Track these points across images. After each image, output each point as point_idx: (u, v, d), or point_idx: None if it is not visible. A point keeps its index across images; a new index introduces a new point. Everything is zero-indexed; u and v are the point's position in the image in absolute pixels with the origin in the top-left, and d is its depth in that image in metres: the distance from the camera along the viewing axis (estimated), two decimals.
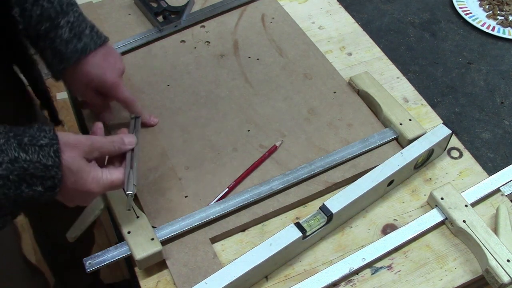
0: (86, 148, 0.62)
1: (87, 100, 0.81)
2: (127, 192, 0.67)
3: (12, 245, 0.87)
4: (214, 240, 0.76)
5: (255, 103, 0.92)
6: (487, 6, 1.63)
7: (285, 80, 0.96)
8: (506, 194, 0.81)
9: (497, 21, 1.58)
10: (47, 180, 0.56)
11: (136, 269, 0.73)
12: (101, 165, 0.66)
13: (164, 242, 0.73)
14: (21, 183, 0.55)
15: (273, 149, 0.85)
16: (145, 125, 0.87)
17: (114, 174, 0.65)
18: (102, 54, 0.77)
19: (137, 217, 0.74)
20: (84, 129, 0.91)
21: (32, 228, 0.83)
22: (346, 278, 0.72)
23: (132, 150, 0.70)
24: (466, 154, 0.87)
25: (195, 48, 1.02)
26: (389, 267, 0.74)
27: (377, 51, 1.04)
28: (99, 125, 0.69)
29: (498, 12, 1.60)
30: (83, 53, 0.75)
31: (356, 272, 0.73)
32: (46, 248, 1.13)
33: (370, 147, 0.85)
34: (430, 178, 0.84)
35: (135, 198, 0.78)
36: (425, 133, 0.84)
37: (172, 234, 0.74)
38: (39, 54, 0.77)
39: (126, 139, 0.68)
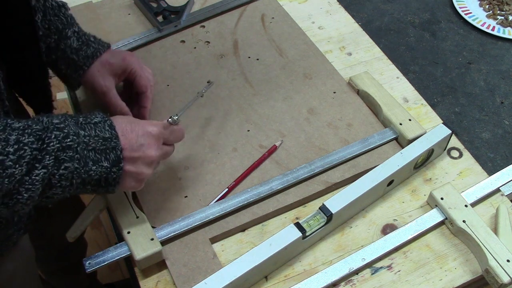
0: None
1: (108, 99, 0.83)
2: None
3: (31, 259, 0.89)
4: (214, 240, 0.76)
5: (255, 103, 0.92)
6: (487, 6, 1.63)
7: (285, 80, 0.96)
8: (506, 194, 0.81)
9: (497, 21, 1.58)
10: (110, 153, 0.60)
11: (136, 269, 0.73)
12: None
13: (164, 242, 0.73)
14: (87, 160, 0.58)
15: (273, 149, 0.85)
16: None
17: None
18: (111, 51, 0.82)
19: (137, 217, 0.74)
20: None
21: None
22: (346, 278, 0.72)
23: None
24: (466, 154, 0.87)
25: (195, 48, 1.02)
26: (389, 267, 0.74)
27: (377, 51, 1.04)
28: None
29: (498, 12, 1.60)
30: (94, 57, 0.79)
31: (356, 272, 0.73)
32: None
33: (370, 147, 0.85)
34: (430, 178, 0.84)
35: (135, 198, 0.78)
36: (425, 133, 0.84)
37: (172, 234, 0.74)
38: (52, 68, 0.81)
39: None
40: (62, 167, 0.55)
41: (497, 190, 0.81)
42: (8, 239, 0.74)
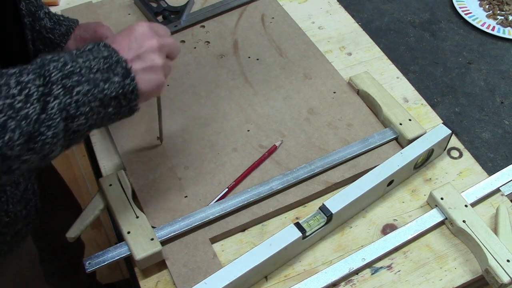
0: None
1: None
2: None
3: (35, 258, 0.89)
4: (214, 240, 0.76)
5: (255, 103, 0.92)
6: (487, 6, 1.63)
7: (285, 80, 0.96)
8: (506, 194, 0.81)
9: (497, 21, 1.58)
10: (116, 68, 0.58)
11: (136, 269, 0.73)
12: None
13: (164, 242, 0.73)
14: (97, 82, 0.56)
15: (273, 149, 0.85)
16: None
17: None
18: (82, 26, 0.85)
19: (137, 217, 0.74)
20: None
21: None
22: (346, 278, 0.72)
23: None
24: (466, 154, 0.87)
25: (195, 48, 1.02)
26: (389, 267, 0.74)
27: (377, 51, 1.04)
28: None
29: (498, 12, 1.60)
30: (69, 33, 0.83)
31: (356, 272, 0.73)
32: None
33: (370, 147, 0.85)
34: (430, 178, 0.84)
35: (135, 198, 0.78)
36: (425, 133, 0.84)
37: (172, 234, 0.74)
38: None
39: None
40: (74, 92, 0.54)
41: (497, 190, 0.81)
42: (17, 234, 0.75)
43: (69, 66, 0.55)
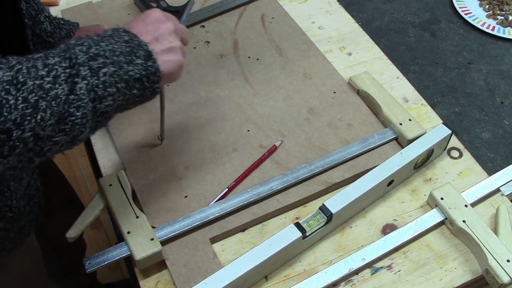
0: None
1: None
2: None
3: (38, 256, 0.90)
4: (214, 240, 0.76)
5: (255, 103, 0.92)
6: (487, 6, 1.63)
7: (285, 80, 0.96)
8: (506, 194, 0.81)
9: (497, 21, 1.58)
10: (138, 51, 0.60)
11: (136, 269, 0.73)
12: None
13: (164, 242, 0.73)
14: (121, 64, 0.58)
15: (273, 149, 0.85)
16: None
17: None
18: (82, 29, 0.87)
19: (137, 217, 0.74)
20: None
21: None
22: (346, 278, 0.72)
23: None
24: (466, 154, 0.87)
25: (195, 48, 1.02)
26: (389, 267, 0.74)
27: (377, 51, 1.04)
28: None
29: (498, 12, 1.60)
30: (69, 37, 0.84)
31: (356, 272, 0.73)
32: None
33: (370, 147, 0.85)
34: (430, 178, 0.84)
35: (135, 198, 0.78)
36: (425, 133, 0.84)
37: (172, 234, 0.74)
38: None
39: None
40: (100, 74, 0.55)
41: (497, 190, 0.81)
42: (21, 231, 0.75)
43: (93, 49, 0.56)
